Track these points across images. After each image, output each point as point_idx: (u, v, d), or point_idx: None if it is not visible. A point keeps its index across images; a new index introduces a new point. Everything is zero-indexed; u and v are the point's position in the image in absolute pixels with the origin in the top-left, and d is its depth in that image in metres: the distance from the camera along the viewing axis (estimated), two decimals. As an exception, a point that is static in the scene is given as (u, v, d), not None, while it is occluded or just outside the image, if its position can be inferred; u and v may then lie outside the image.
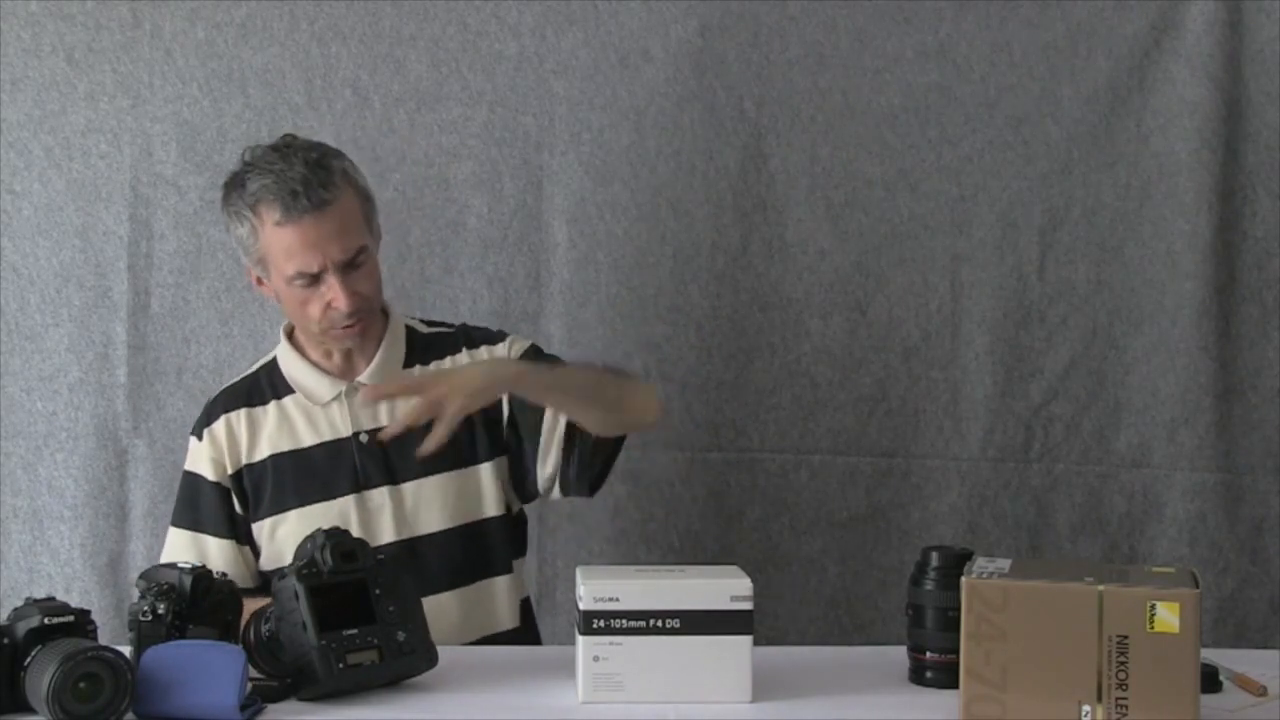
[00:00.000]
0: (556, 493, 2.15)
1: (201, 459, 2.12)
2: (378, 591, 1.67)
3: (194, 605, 1.66)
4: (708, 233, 2.60)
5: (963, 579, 1.55)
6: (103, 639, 1.60)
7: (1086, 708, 1.50)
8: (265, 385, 2.15)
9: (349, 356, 2.14)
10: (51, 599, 1.61)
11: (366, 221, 2.08)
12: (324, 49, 2.57)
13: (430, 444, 1.86)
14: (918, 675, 1.73)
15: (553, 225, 2.59)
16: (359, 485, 2.08)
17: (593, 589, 1.65)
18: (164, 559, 2.09)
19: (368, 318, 2.09)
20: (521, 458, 2.13)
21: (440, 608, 2.00)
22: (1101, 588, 1.51)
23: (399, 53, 2.57)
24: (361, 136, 2.55)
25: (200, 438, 2.14)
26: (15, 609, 1.59)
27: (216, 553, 2.08)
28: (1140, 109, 2.59)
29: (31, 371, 2.57)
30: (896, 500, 2.62)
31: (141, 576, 1.71)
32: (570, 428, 2.09)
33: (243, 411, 2.13)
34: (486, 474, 2.12)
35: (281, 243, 2.01)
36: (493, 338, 2.20)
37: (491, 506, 2.13)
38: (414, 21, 2.57)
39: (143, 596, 1.65)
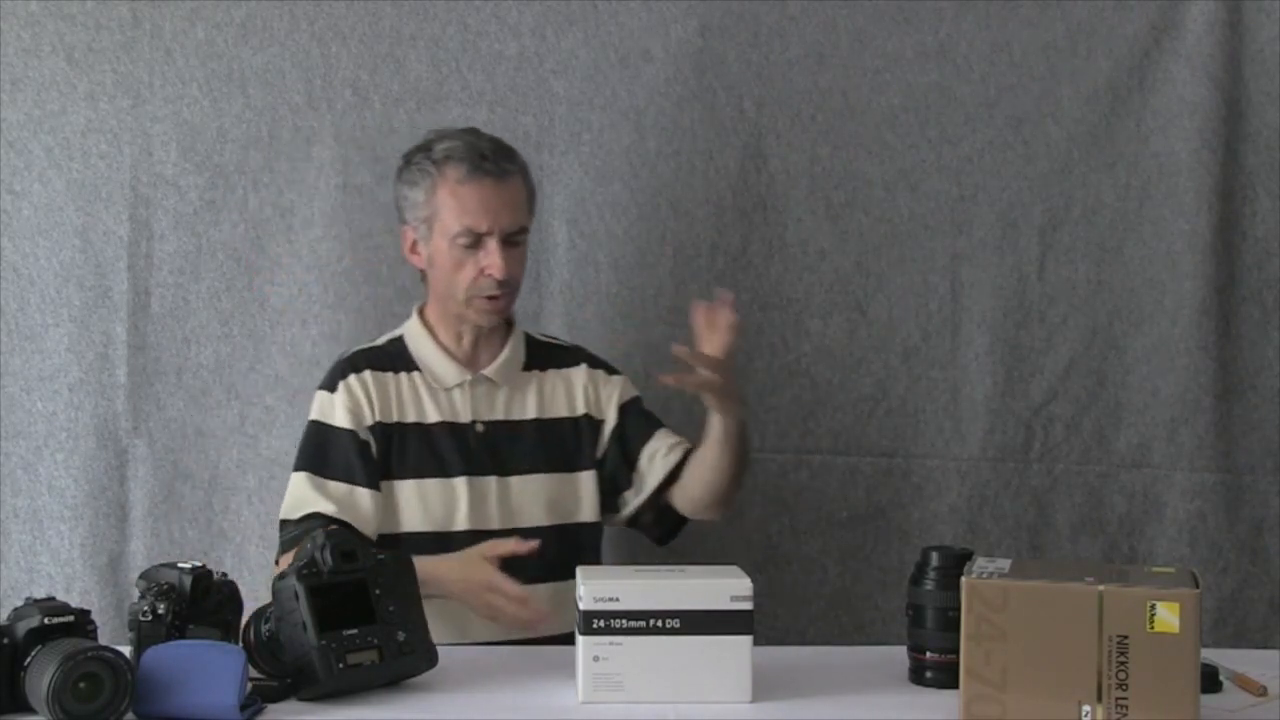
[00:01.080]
0: (624, 518, 2.28)
1: (337, 409, 2.16)
2: (378, 591, 1.67)
3: (194, 605, 1.66)
4: (708, 233, 2.60)
5: (963, 579, 1.55)
6: (103, 639, 1.60)
7: (1086, 708, 1.50)
8: (394, 356, 2.22)
9: (476, 346, 2.22)
10: (51, 599, 1.61)
11: (530, 210, 2.22)
12: (324, 49, 2.57)
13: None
14: (918, 675, 1.73)
15: (553, 225, 2.59)
16: (471, 470, 2.16)
17: (593, 589, 1.65)
18: (287, 504, 2.12)
19: (510, 299, 2.20)
20: (615, 471, 2.25)
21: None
22: (1101, 588, 1.51)
23: (399, 53, 2.57)
24: (361, 136, 2.55)
25: (334, 389, 2.18)
26: (15, 609, 1.59)
27: (340, 498, 2.10)
28: (1140, 109, 2.59)
29: (31, 371, 2.57)
30: (896, 500, 2.62)
31: (141, 576, 1.71)
32: (668, 479, 2.22)
33: (373, 374, 2.19)
34: (585, 481, 2.24)
35: (458, 199, 2.13)
36: (610, 368, 2.32)
37: (587, 512, 2.25)
38: (414, 21, 2.57)
39: (143, 596, 1.65)
